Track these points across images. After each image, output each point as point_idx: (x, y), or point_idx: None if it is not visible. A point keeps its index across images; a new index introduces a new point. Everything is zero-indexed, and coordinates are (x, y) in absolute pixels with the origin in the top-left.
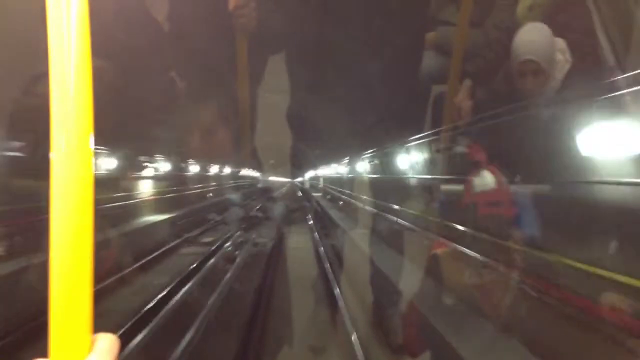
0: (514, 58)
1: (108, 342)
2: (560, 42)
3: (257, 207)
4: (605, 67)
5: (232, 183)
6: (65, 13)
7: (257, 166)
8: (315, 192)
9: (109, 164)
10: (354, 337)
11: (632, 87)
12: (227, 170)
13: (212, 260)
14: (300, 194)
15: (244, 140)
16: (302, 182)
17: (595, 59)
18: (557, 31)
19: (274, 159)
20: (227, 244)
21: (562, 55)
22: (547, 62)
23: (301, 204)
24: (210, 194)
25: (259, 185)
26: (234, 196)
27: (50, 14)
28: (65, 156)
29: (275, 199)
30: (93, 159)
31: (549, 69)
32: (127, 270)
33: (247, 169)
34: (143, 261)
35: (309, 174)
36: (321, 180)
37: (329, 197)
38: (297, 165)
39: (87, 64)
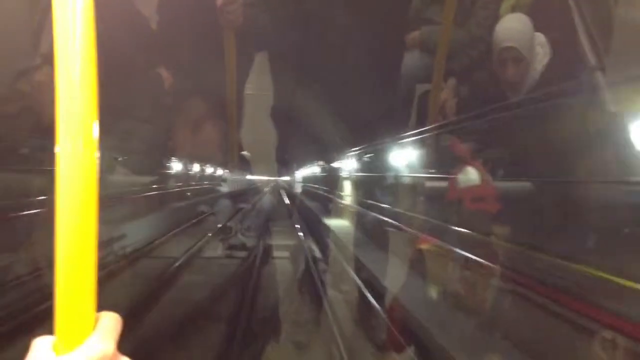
0: (495, 46)
1: (112, 320)
2: (540, 37)
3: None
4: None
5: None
6: (71, 10)
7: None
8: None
9: None
10: None
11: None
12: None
13: None
14: (287, 201)
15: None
16: (290, 184)
17: (575, 57)
18: (539, 29)
19: (252, 152)
20: None
21: (541, 48)
22: (527, 50)
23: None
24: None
25: (222, 190)
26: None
27: (55, 9)
28: (70, 146)
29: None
30: (97, 151)
31: (529, 57)
32: None
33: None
34: None
35: (301, 172)
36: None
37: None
38: (284, 162)
39: (92, 59)
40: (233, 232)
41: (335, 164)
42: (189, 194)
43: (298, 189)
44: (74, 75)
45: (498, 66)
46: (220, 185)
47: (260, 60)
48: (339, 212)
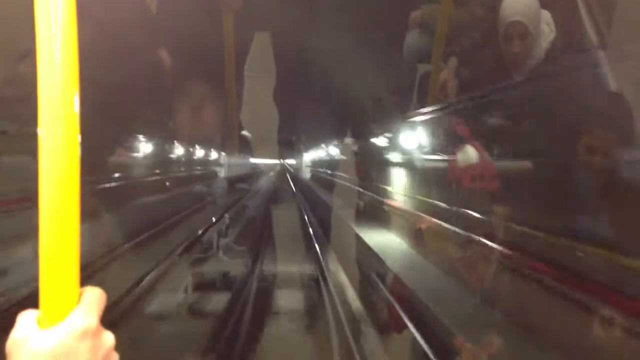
0: (502, 21)
1: (95, 294)
2: (546, 14)
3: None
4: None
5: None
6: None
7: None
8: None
9: None
10: None
11: None
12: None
13: None
14: (293, 189)
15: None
16: (296, 168)
17: (577, 35)
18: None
19: (253, 133)
20: None
21: (547, 26)
22: (533, 25)
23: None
24: None
25: (220, 175)
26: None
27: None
28: (52, 129)
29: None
30: (78, 134)
31: (536, 33)
32: None
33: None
34: None
35: (309, 155)
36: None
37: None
38: (289, 144)
39: (73, 44)
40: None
41: (360, 144)
42: (167, 184)
43: (307, 174)
44: (55, 59)
45: (504, 42)
46: (214, 171)
47: (261, 39)
48: (383, 221)
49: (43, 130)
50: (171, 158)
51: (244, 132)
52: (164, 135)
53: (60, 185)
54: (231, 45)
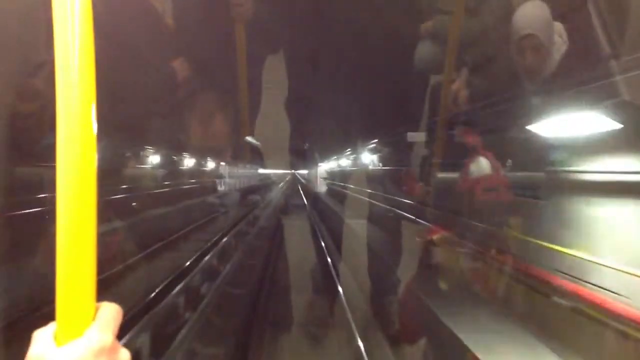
0: (514, 34)
1: (111, 310)
2: (558, 25)
3: None
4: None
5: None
6: (70, 7)
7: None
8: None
9: None
10: None
11: None
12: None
13: None
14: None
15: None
16: (307, 179)
17: (590, 46)
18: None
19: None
20: None
21: (559, 37)
22: (546, 37)
23: None
24: None
25: (220, 189)
26: None
27: (55, 8)
28: (70, 141)
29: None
30: (95, 145)
31: (549, 45)
32: None
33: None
34: None
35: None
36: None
37: None
38: (299, 153)
39: (90, 57)
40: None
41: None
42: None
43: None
44: (72, 70)
45: (517, 54)
46: (214, 184)
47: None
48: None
49: (60, 143)
50: (182, 169)
51: (250, 139)
52: (175, 147)
53: (77, 199)
54: (243, 54)
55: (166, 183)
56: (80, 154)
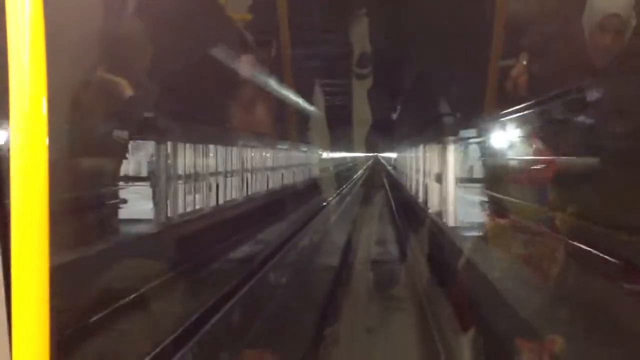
0: (596, 12)
1: None
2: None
3: None
4: None
5: None
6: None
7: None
8: None
9: None
10: None
11: None
12: None
13: None
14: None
15: None
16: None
17: None
18: None
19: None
20: None
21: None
22: (628, 18)
23: None
24: None
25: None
26: None
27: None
28: (20, 143)
29: None
30: (46, 149)
31: (629, 26)
32: None
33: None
34: None
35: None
36: None
37: None
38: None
39: (41, 56)
40: None
41: None
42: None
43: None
44: (24, 64)
45: (598, 34)
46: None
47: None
48: None
49: (12, 152)
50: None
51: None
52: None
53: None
54: (286, 29)
55: None
56: (32, 147)
